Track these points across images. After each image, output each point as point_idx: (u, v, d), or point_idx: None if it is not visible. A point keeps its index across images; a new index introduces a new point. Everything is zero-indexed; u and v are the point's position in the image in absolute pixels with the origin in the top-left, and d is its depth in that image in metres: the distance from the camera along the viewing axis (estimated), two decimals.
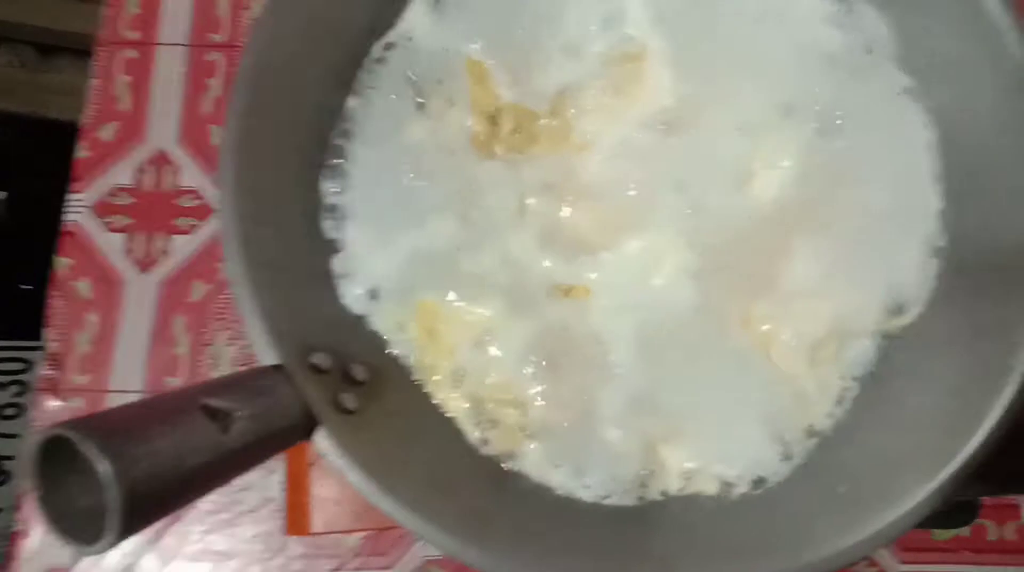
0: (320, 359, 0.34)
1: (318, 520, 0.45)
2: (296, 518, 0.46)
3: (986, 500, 0.50)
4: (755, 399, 0.39)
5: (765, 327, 0.40)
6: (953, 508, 0.47)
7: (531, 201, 0.40)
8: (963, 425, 0.34)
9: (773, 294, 0.40)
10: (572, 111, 0.41)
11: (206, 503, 0.50)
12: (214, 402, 0.27)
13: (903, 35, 0.41)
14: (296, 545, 0.49)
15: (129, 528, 0.23)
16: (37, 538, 0.49)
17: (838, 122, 0.41)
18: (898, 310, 0.40)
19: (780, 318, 0.40)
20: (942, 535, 0.53)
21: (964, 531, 0.52)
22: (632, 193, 0.39)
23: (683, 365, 0.39)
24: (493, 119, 0.41)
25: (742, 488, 0.38)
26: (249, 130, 0.34)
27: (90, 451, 0.23)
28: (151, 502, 0.24)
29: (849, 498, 0.35)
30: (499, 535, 0.33)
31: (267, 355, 0.32)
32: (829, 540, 0.33)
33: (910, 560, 0.52)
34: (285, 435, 0.30)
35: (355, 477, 0.32)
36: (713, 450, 0.38)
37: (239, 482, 0.50)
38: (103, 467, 0.23)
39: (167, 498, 0.25)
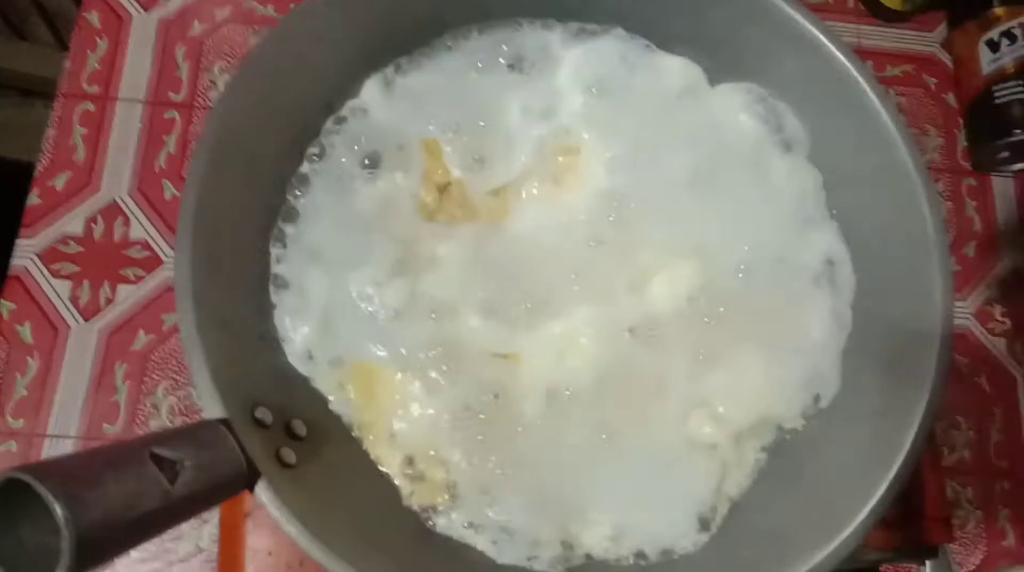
0: (263, 414, 0.36)
1: (251, 571, 0.45)
2: (229, 568, 0.46)
3: (885, 567, 0.53)
4: (674, 473, 0.42)
5: (685, 409, 0.43)
6: None
7: (466, 265, 0.42)
8: (857, 495, 0.37)
9: (695, 383, 0.43)
10: (513, 194, 0.44)
11: (137, 551, 0.50)
12: (163, 452, 0.29)
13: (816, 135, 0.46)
14: None
15: (79, 569, 0.25)
16: None
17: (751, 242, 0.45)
18: (817, 398, 0.44)
19: (702, 404, 0.43)
20: None
21: None
22: (555, 276, 0.43)
23: (599, 441, 0.41)
24: (441, 191, 0.44)
25: (654, 558, 0.40)
26: (207, 196, 0.36)
27: (47, 495, 0.24)
28: (101, 545, 0.25)
29: (751, 562, 0.38)
30: None
31: (213, 409, 0.34)
32: None
33: None
34: (229, 485, 0.31)
35: (292, 528, 0.33)
36: (629, 524, 0.41)
37: (171, 532, 0.51)
38: (60, 510, 0.24)
39: (116, 542, 0.26)
